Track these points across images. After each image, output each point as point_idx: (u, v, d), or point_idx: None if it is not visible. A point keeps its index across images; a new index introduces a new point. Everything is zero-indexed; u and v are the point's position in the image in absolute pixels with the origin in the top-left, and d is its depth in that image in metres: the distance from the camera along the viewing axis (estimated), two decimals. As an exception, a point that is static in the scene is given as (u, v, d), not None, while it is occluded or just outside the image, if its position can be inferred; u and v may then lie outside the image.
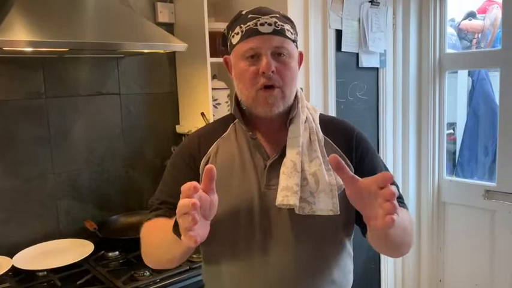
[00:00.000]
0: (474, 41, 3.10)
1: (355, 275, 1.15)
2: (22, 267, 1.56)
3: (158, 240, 1.00)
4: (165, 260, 1.04)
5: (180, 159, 1.10)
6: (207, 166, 0.84)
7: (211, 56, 1.87)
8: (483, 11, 3.06)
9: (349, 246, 1.12)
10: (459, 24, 3.11)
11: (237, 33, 1.02)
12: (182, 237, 0.80)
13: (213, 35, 1.87)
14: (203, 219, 0.83)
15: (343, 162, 0.82)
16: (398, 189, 1.08)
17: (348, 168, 0.82)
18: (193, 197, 0.78)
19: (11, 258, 1.60)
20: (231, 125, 1.11)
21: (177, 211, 0.81)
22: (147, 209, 1.11)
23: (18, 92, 1.72)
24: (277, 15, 1.03)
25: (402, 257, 2.73)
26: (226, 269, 1.06)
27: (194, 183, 0.79)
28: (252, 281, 1.04)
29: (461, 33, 3.10)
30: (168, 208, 1.04)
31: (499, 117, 2.42)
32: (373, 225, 0.81)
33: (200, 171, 1.06)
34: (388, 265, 2.70)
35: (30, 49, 1.42)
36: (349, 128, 1.12)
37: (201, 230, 0.82)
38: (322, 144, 1.05)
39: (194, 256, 1.64)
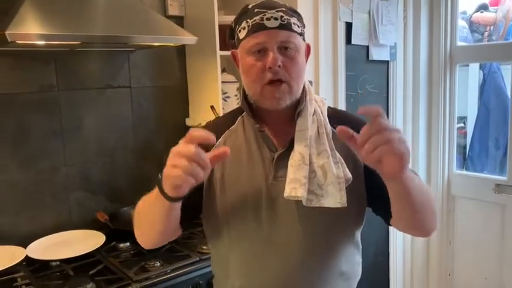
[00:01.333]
0: (486, 33, 3.06)
1: (364, 267, 1.16)
2: (36, 257, 1.58)
3: (143, 205, 1.02)
4: (149, 226, 1.02)
5: None
6: (224, 149, 0.88)
7: (221, 49, 1.87)
8: (495, 3, 3.02)
9: (357, 239, 1.12)
10: (471, 17, 3.07)
11: (244, 28, 1.02)
12: (164, 176, 0.85)
13: (222, 28, 1.87)
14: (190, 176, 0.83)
15: (350, 130, 0.83)
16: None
17: (356, 136, 0.83)
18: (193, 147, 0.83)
19: (25, 248, 1.63)
20: (239, 118, 1.12)
21: (172, 151, 0.84)
22: None
23: (30, 85, 1.74)
24: (284, 8, 1.02)
25: (411, 250, 2.74)
26: (234, 259, 1.08)
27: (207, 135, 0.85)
28: (259, 272, 1.05)
29: (473, 26, 3.07)
30: None
31: (511, 110, 2.40)
32: (388, 167, 0.80)
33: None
34: (397, 258, 2.70)
35: (42, 42, 1.44)
36: (361, 123, 1.10)
37: (185, 184, 0.84)
38: (330, 137, 1.05)
39: (204, 247, 1.66)
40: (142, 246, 1.10)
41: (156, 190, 0.92)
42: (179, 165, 0.82)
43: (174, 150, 0.85)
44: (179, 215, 0.98)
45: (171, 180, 0.84)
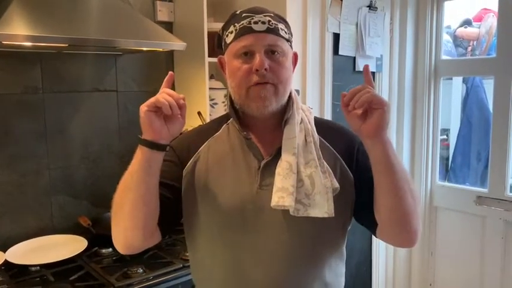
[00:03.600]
0: (469, 48, 3.13)
1: (346, 277, 1.16)
2: (15, 262, 1.55)
3: (119, 186, 0.98)
4: (129, 210, 0.96)
5: (167, 155, 1.06)
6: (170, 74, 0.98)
7: (210, 55, 1.88)
8: (479, 19, 3.09)
9: (342, 249, 1.12)
10: (455, 32, 3.14)
11: (231, 32, 1.02)
12: (140, 109, 0.93)
13: (212, 34, 1.87)
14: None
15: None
16: None
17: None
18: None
19: (4, 252, 1.60)
20: (224, 125, 1.11)
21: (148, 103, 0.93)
22: None
23: (15, 86, 1.72)
24: (272, 14, 1.03)
25: (394, 260, 2.76)
26: (217, 268, 1.06)
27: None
28: (243, 281, 1.03)
29: (457, 41, 3.13)
30: None
31: (492, 124, 2.45)
32: (371, 121, 0.92)
33: (184, 173, 1.06)
34: (379, 269, 2.72)
35: (29, 43, 1.42)
36: (350, 134, 1.10)
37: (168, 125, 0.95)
38: (318, 146, 1.05)
39: (187, 254, 1.64)
40: (120, 249, 1.03)
41: (134, 156, 0.96)
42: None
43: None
44: (157, 185, 0.96)
45: (145, 107, 0.93)
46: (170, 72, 0.99)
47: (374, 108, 0.91)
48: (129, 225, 0.98)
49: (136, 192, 0.95)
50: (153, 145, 0.94)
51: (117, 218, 0.99)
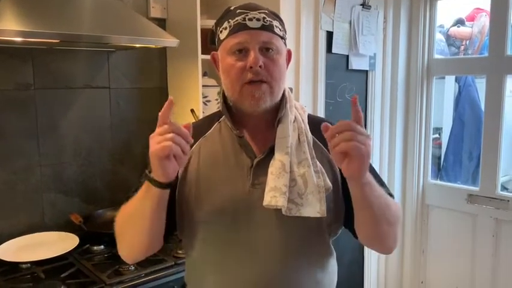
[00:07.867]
0: (462, 47, 3.15)
1: (339, 275, 1.16)
2: (5, 259, 1.54)
3: (128, 210, 1.01)
4: (136, 231, 1.00)
5: None
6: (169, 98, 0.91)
7: (203, 52, 1.87)
8: (471, 18, 3.12)
9: (332, 247, 1.12)
10: (448, 31, 3.15)
11: (225, 28, 1.01)
12: (152, 154, 0.87)
13: (205, 31, 1.86)
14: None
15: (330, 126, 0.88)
16: (381, 180, 1.10)
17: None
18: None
19: (-5, 249, 1.59)
20: (216, 123, 1.10)
21: (151, 137, 0.88)
22: None
23: (6, 82, 1.70)
24: (266, 11, 1.03)
25: (385, 258, 2.78)
26: (210, 268, 1.06)
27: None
28: (235, 280, 1.03)
29: (450, 40, 3.15)
30: None
31: (484, 123, 2.47)
32: (348, 166, 0.86)
33: (179, 174, 1.04)
34: (371, 267, 2.73)
35: (19, 39, 1.41)
36: None
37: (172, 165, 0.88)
38: (311, 145, 1.04)
39: (180, 252, 1.64)
40: (126, 260, 1.08)
41: (142, 189, 0.94)
42: (163, 138, 0.86)
43: (152, 135, 0.89)
44: (165, 212, 0.97)
45: (159, 153, 0.86)
46: (170, 98, 0.91)
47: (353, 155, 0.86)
48: (136, 248, 1.04)
49: (145, 222, 0.97)
50: (166, 185, 0.92)
51: (123, 238, 1.04)
